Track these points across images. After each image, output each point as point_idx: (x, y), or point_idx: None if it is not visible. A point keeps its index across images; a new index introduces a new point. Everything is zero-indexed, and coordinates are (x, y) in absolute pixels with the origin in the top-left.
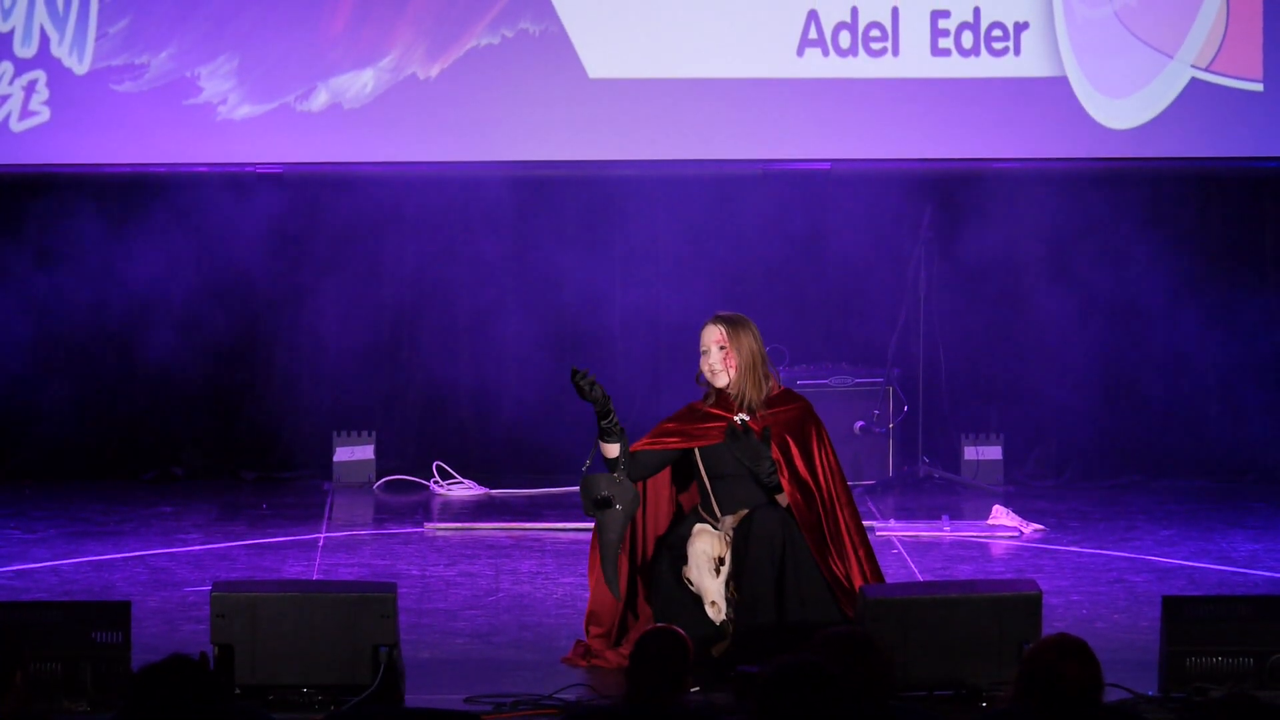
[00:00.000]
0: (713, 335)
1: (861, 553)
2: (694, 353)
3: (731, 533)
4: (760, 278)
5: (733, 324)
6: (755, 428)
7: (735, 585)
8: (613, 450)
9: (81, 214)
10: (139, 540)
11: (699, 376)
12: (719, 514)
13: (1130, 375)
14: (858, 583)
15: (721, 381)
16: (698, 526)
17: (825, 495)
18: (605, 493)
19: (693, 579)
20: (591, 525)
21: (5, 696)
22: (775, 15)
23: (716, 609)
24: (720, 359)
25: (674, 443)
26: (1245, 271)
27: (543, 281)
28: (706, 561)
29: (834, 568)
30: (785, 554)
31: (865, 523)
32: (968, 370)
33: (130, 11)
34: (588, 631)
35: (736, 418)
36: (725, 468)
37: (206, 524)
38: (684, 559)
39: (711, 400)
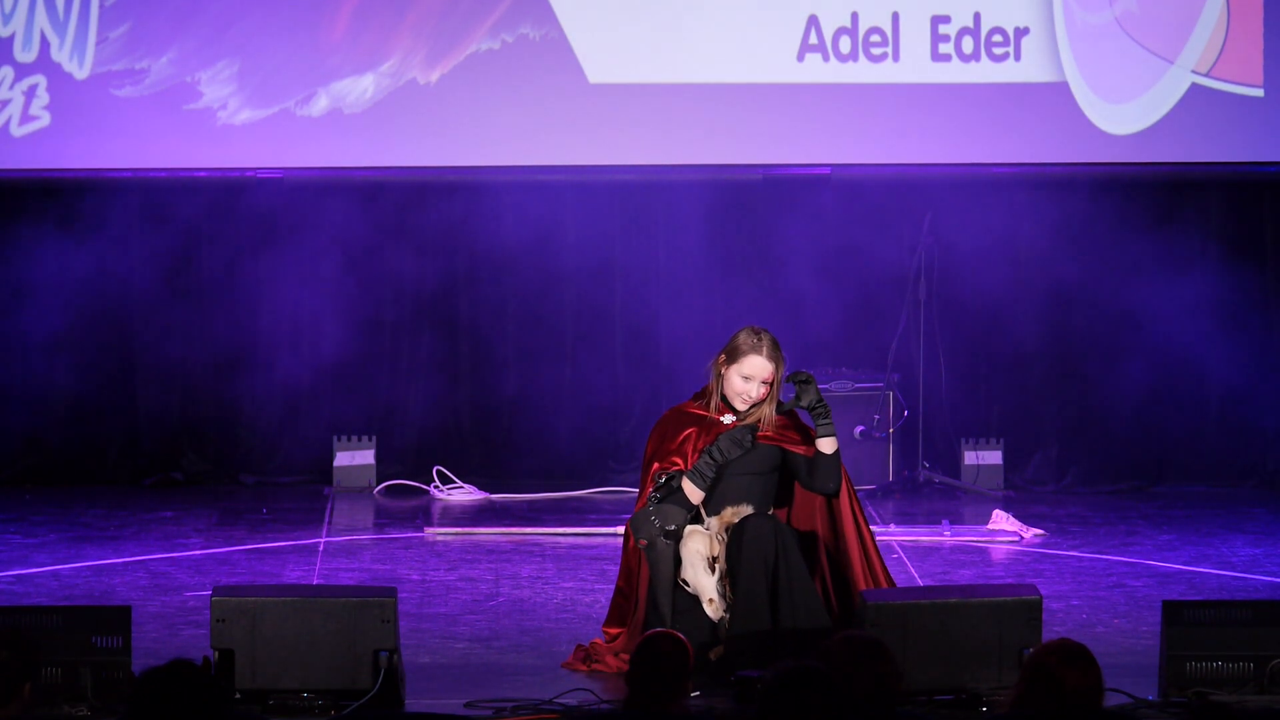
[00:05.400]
0: (766, 371)
1: (873, 552)
2: (697, 355)
3: (724, 534)
4: (760, 282)
5: (779, 361)
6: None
7: (730, 586)
8: (699, 496)
9: (81, 219)
10: (139, 545)
11: (718, 372)
12: (704, 515)
13: (1130, 380)
14: (880, 579)
15: (745, 408)
16: (689, 528)
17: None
18: (675, 525)
19: (689, 578)
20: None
21: (10, 704)
22: (776, 20)
23: (714, 606)
24: (761, 394)
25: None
26: (1246, 276)
27: (542, 285)
28: (701, 560)
29: (855, 565)
30: (778, 561)
31: None
32: (968, 375)
33: (131, 16)
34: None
35: (723, 418)
36: None
37: (207, 529)
38: (677, 561)
39: (705, 403)
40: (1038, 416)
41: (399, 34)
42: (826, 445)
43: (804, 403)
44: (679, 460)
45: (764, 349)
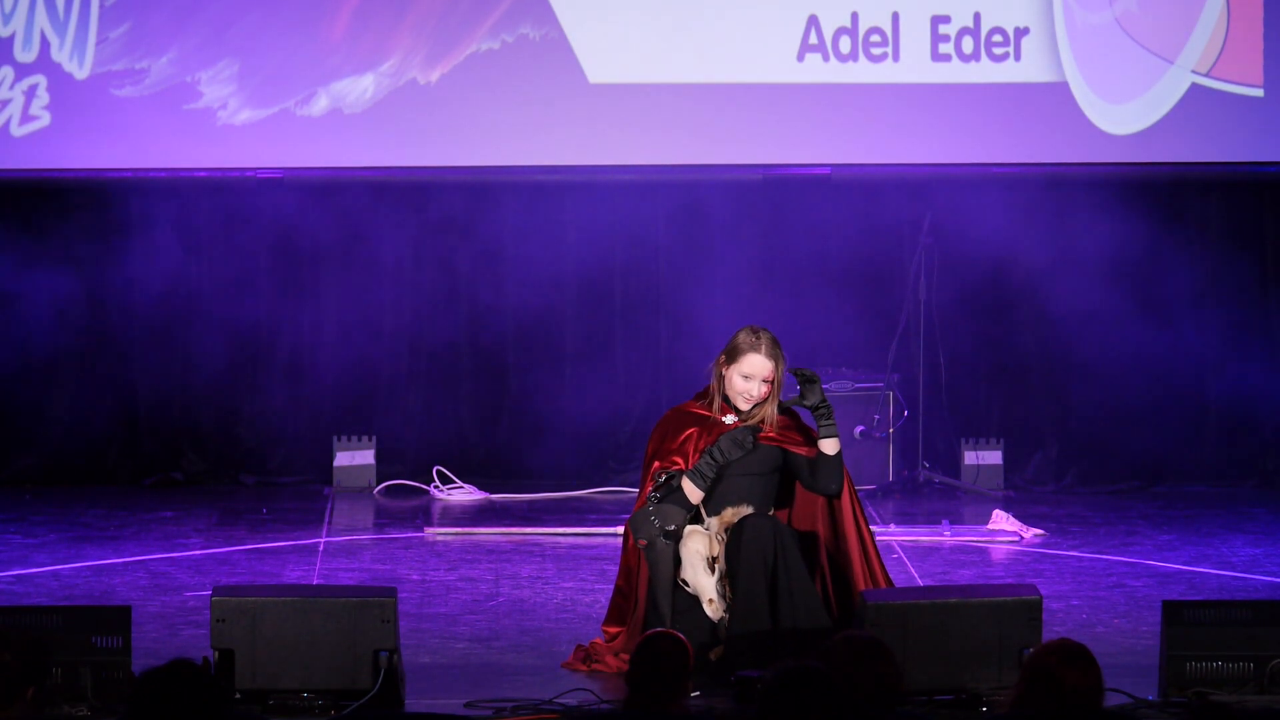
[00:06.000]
0: (766, 369)
1: (873, 553)
2: (698, 355)
3: (722, 534)
4: (760, 282)
5: (779, 358)
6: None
7: (729, 586)
8: (699, 496)
9: (81, 219)
10: (139, 545)
11: (719, 373)
12: (704, 515)
13: (1130, 380)
14: (879, 580)
15: (747, 407)
16: (689, 528)
17: (830, 509)
18: (675, 525)
19: (688, 579)
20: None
21: (11, 707)
22: (776, 20)
23: (714, 606)
24: (763, 393)
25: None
26: (1245, 277)
27: (542, 285)
28: (700, 560)
29: (855, 566)
30: (777, 562)
31: None
32: (968, 375)
33: (131, 16)
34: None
35: (725, 418)
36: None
37: (207, 529)
38: (676, 561)
39: (707, 403)
40: (1038, 416)
41: (399, 34)
42: (829, 446)
43: (808, 402)
44: (679, 460)
45: (763, 347)
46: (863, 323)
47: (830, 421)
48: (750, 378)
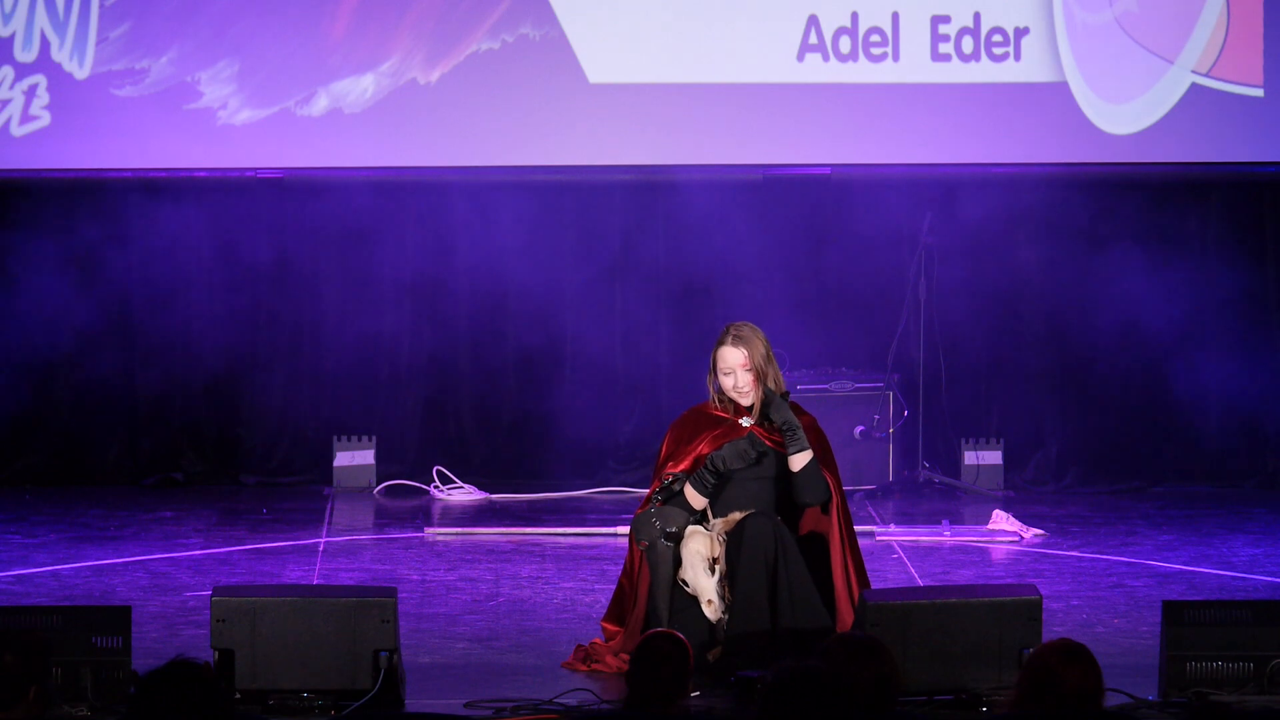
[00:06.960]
0: (736, 359)
1: (851, 563)
2: (697, 356)
3: (724, 535)
4: (761, 283)
5: (749, 342)
6: (760, 433)
7: (729, 587)
8: (701, 503)
9: (82, 219)
10: (139, 545)
11: (714, 385)
12: (710, 516)
13: (1130, 380)
14: (855, 591)
15: (749, 401)
16: (690, 528)
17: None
18: (676, 527)
19: (688, 579)
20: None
21: (14, 708)
22: (776, 20)
23: (713, 607)
24: (748, 381)
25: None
26: (1246, 276)
27: (542, 286)
28: (701, 561)
29: (836, 577)
30: (777, 561)
31: (866, 527)
32: (968, 375)
33: (131, 16)
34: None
35: (742, 420)
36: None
37: (207, 529)
38: (677, 562)
39: (720, 404)
40: (1038, 416)
41: (399, 34)
42: (794, 463)
43: (774, 418)
44: (690, 462)
45: (727, 339)
46: (862, 323)
47: (794, 440)
48: (729, 372)
